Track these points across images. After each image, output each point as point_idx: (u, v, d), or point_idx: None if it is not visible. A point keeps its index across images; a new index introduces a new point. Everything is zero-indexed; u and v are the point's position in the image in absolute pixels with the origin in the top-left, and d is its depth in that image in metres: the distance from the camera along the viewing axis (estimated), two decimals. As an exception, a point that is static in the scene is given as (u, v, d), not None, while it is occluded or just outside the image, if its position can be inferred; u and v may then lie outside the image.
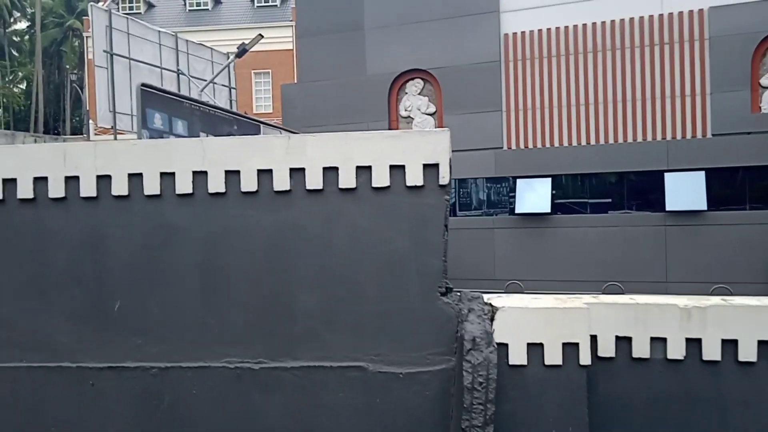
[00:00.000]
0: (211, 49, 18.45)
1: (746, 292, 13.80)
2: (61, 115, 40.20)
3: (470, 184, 16.88)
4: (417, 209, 3.67)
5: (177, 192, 3.87)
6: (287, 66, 24.58)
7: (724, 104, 14.57)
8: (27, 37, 41.78)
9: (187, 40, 17.67)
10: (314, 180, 3.75)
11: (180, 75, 17.29)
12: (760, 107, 14.44)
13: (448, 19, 16.67)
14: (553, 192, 15.54)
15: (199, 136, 9.72)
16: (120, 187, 3.89)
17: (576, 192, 15.82)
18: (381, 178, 3.70)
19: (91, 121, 18.98)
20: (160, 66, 16.87)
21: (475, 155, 16.35)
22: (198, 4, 29.35)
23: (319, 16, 17.94)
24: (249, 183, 3.80)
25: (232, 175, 3.81)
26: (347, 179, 3.73)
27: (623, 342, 3.64)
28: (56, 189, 3.93)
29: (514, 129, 16.40)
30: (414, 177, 3.67)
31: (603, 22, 15.59)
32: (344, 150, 3.75)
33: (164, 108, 9.36)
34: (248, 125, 11.35)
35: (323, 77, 17.89)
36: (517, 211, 15.72)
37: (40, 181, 3.94)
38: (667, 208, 14.52)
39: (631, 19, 15.37)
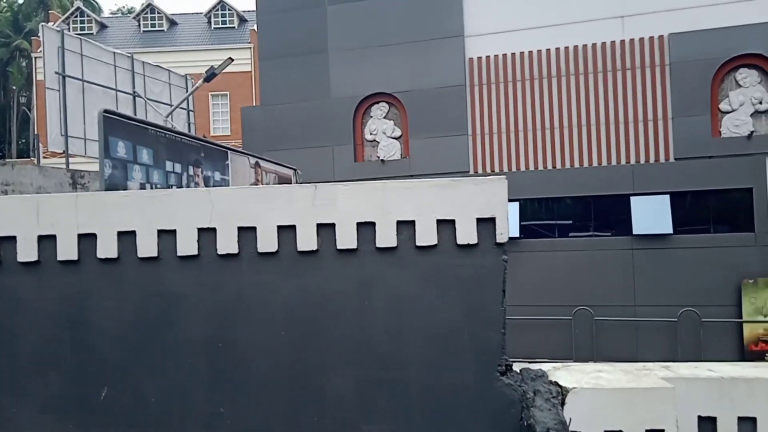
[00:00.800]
0: (169, 71, 17.48)
1: (714, 314, 13.72)
2: (6, 137, 37.92)
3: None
4: (469, 272, 3.05)
5: (179, 253, 3.12)
6: (245, 88, 23.72)
7: (686, 129, 14.57)
8: (-29, 57, 39.44)
9: (143, 62, 16.67)
10: (346, 238, 3.08)
11: (136, 97, 16.26)
12: (720, 132, 14.49)
13: (412, 42, 16.25)
14: (521, 216, 15.19)
15: (165, 165, 8.88)
16: (107, 248, 3.11)
17: (543, 216, 15.52)
18: (426, 235, 3.06)
19: (41, 145, 17.67)
20: (116, 88, 15.83)
21: (442, 179, 15.87)
22: (153, 26, 28.13)
23: (282, 39, 17.24)
24: (267, 242, 3.09)
25: (246, 233, 3.09)
26: (386, 237, 3.08)
27: (706, 423, 3.09)
28: (27, 251, 3.12)
29: (481, 153, 16.04)
30: (466, 234, 3.05)
31: (566, 47, 15.43)
32: (382, 202, 3.10)
33: (128, 136, 8.45)
34: (215, 152, 10.50)
35: (286, 100, 17.17)
36: (485, 236, 15.27)
37: (7, 242, 3.14)
38: (634, 232, 14.34)
39: (594, 45, 15.27)
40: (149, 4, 28.66)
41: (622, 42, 15.07)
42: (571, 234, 15.15)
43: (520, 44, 15.69)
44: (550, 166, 15.53)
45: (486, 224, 3.10)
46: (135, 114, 16.38)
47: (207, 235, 3.10)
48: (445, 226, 3.09)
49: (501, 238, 3.11)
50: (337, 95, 16.76)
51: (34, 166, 14.90)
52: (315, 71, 16.93)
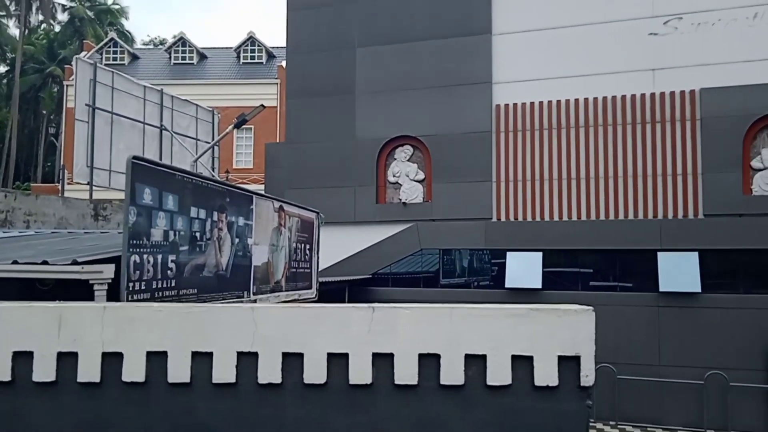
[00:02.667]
0: (197, 105, 17.25)
1: (742, 379, 13.02)
2: (33, 160, 38.01)
3: (455, 252, 15.94)
4: (548, 418, 2.58)
5: (214, 380, 2.67)
6: (270, 123, 23.53)
7: (716, 185, 14.03)
8: (5, 81, 39.72)
9: (172, 96, 16.45)
10: (406, 371, 2.63)
11: (163, 131, 16.02)
12: (751, 189, 13.95)
13: (440, 87, 15.93)
14: (544, 267, 14.67)
15: (189, 212, 8.49)
16: (134, 370, 2.68)
17: (567, 268, 14.98)
18: (499, 373, 2.60)
19: (66, 173, 17.50)
20: (143, 121, 15.60)
21: (465, 225, 15.43)
22: (183, 59, 28.14)
23: (310, 78, 17.00)
24: (315, 371, 2.64)
25: (291, 360, 2.65)
26: (452, 373, 2.62)
27: None
28: (44, 369, 2.70)
29: (504, 200, 15.56)
30: (545, 374, 2.59)
31: (595, 98, 15.02)
32: (449, 331, 2.65)
33: (154, 181, 8.06)
34: (240, 197, 10.12)
35: (311, 139, 16.87)
36: (507, 286, 14.74)
37: (22, 358, 2.71)
38: (661, 289, 13.74)
39: (623, 97, 14.85)
40: (181, 38, 28.72)
41: (653, 95, 14.63)
42: (595, 287, 14.58)
43: (549, 93, 15.31)
44: (575, 217, 15.02)
45: (568, 363, 2.64)
46: (161, 147, 16.17)
47: (247, 360, 2.66)
48: (521, 363, 2.62)
49: (586, 381, 2.64)
50: (362, 136, 16.44)
51: (58, 198, 14.63)
52: (341, 111, 16.64)
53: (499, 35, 15.77)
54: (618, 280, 14.63)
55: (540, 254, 14.71)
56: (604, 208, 14.82)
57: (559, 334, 2.64)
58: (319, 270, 15.43)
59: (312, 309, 2.74)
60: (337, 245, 15.71)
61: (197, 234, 8.54)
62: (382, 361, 2.67)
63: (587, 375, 2.64)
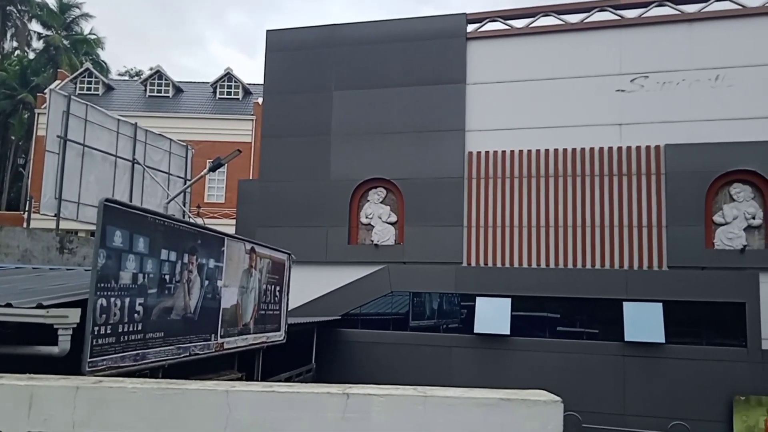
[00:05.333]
0: (170, 139, 17.12)
1: (704, 430, 13.15)
2: (-1, 186, 37.07)
3: (425, 295, 15.93)
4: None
5: (184, 465, 2.60)
6: (244, 159, 23.43)
7: (680, 238, 14.36)
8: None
9: (146, 130, 16.32)
10: (380, 459, 2.60)
11: (135, 164, 15.83)
12: (713, 243, 14.31)
13: (414, 132, 16.12)
14: (513, 313, 14.74)
15: (160, 254, 8.34)
16: (101, 454, 2.59)
17: (535, 315, 15.07)
18: (470, 464, 2.59)
19: (32, 204, 17.07)
20: (116, 154, 15.41)
21: (435, 269, 15.47)
22: (159, 91, 27.98)
23: (286, 118, 17.06)
24: (288, 458, 2.59)
25: (264, 445, 2.60)
26: (425, 463, 2.60)
27: None
28: (7, 452, 2.59)
29: (475, 245, 15.68)
30: (516, 464, 2.59)
31: (564, 149, 15.36)
32: (422, 419, 2.62)
33: (125, 224, 7.93)
34: (212, 239, 10.00)
35: (285, 177, 16.84)
36: (476, 331, 14.75)
37: (-14, 439, 2.60)
38: (626, 339, 13.89)
39: (591, 149, 15.21)
40: (157, 71, 28.62)
41: (620, 149, 15.02)
42: (562, 335, 14.67)
43: (520, 142, 15.60)
44: (543, 264, 15.18)
45: (541, 453, 2.63)
46: (133, 180, 15.94)
47: (217, 444, 2.59)
48: (494, 453, 2.61)
49: (557, 473, 2.64)
50: (336, 177, 16.48)
51: (23, 229, 14.26)
52: (316, 152, 16.69)
53: (473, 85, 16.09)
54: (585, 327, 14.76)
55: (509, 300, 14.79)
56: (572, 257, 15.02)
57: (529, 426, 2.63)
58: (289, 310, 15.25)
59: (287, 393, 2.68)
60: (308, 285, 15.59)
61: (167, 276, 8.38)
62: (355, 448, 2.63)
63: (557, 465, 2.64)
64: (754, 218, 14.07)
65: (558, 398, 2.69)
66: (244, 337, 10.77)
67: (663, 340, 13.59)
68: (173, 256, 8.61)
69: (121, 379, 2.88)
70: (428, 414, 2.65)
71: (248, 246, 10.89)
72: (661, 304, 13.87)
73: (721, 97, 14.43)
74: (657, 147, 14.78)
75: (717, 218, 14.31)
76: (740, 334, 13.44)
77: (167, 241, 8.51)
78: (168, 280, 8.38)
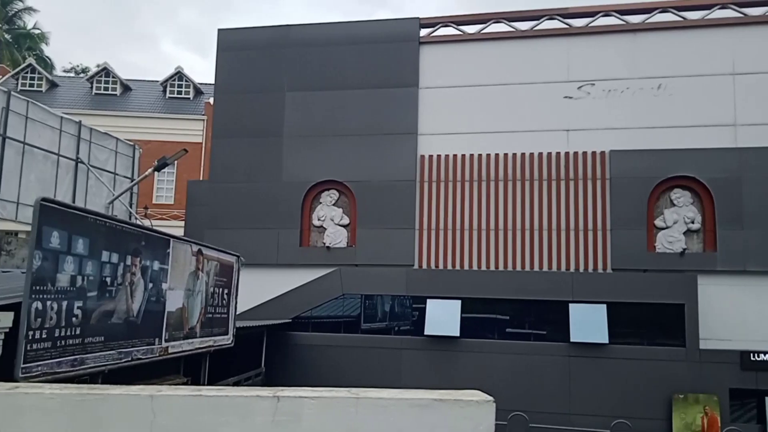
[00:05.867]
0: (117, 139, 16.65)
1: (645, 427, 13.53)
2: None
3: (377, 297, 15.93)
4: None
5: (103, 474, 2.50)
6: (194, 159, 22.98)
7: (623, 241, 14.77)
8: None
9: (91, 128, 15.81)
10: (309, 463, 2.56)
11: (79, 164, 15.33)
12: (655, 246, 14.77)
13: (367, 135, 16.12)
14: (463, 314, 14.87)
15: (101, 255, 8.09)
16: (14, 463, 2.47)
17: (485, 317, 15.25)
18: (402, 465, 2.58)
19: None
20: (58, 153, 14.88)
21: (387, 271, 15.48)
22: (106, 89, 27.16)
23: (237, 118, 16.81)
24: (214, 463, 2.53)
25: (189, 451, 2.52)
26: (355, 467, 2.57)
27: None
28: None
29: (426, 248, 15.77)
30: (448, 464, 2.59)
31: (514, 154, 15.61)
32: (354, 420, 2.60)
33: (64, 224, 7.67)
34: (157, 240, 9.76)
35: (235, 179, 16.59)
36: (426, 333, 14.82)
37: None
38: (571, 339, 14.19)
39: (540, 154, 15.50)
40: (104, 68, 27.77)
41: (567, 154, 15.36)
42: (510, 337, 14.88)
43: (471, 146, 15.78)
44: (493, 267, 15.38)
45: (471, 453, 2.64)
46: (76, 180, 15.43)
47: (140, 451, 2.51)
48: (425, 454, 2.61)
49: (487, 471, 2.65)
50: (288, 179, 16.33)
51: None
52: (268, 153, 16.50)
53: (426, 89, 16.21)
54: (532, 328, 15.00)
55: (459, 302, 14.91)
56: (521, 259, 15.27)
57: (461, 426, 2.64)
58: (238, 313, 15.00)
59: (215, 397, 2.62)
60: (258, 288, 15.38)
61: (108, 279, 8.13)
62: (285, 452, 2.58)
63: (488, 465, 2.65)
64: (693, 222, 14.58)
65: (490, 398, 2.71)
66: (190, 341, 10.54)
67: (607, 341, 13.93)
68: (115, 258, 8.37)
69: (39, 384, 2.76)
70: (360, 416, 2.63)
71: (195, 248, 10.68)
72: (605, 306, 14.23)
73: (662, 106, 14.92)
74: (602, 153, 15.18)
75: (658, 222, 14.78)
76: (679, 334, 13.89)
77: (109, 243, 8.26)
78: (109, 283, 8.13)
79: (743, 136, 14.48)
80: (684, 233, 14.62)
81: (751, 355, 13.49)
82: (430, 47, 16.43)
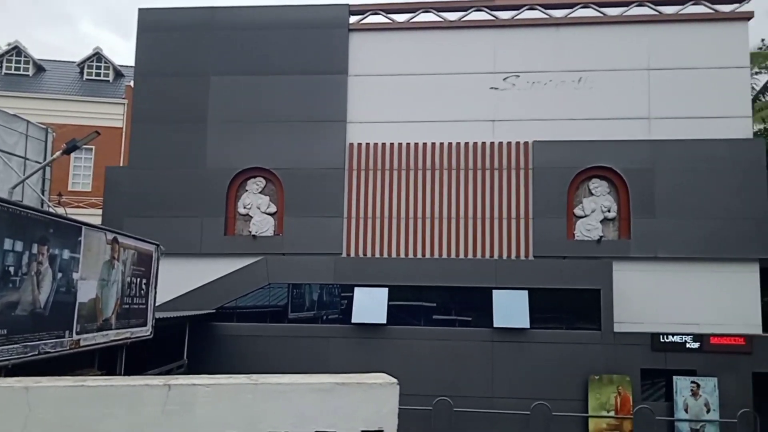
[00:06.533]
0: (27, 121, 15.66)
1: (563, 408, 14.04)
2: None
3: (304, 286, 15.76)
4: (349, 495, 2.51)
5: (-29, 475, 2.30)
6: (114, 145, 21.97)
7: (545, 229, 15.20)
8: None
9: (-2, 110, 14.82)
10: (203, 455, 2.44)
11: (-16, 148, 14.33)
12: (574, 234, 15.27)
13: (295, 122, 15.86)
14: (390, 302, 14.93)
15: (3, 244, 7.59)
16: None
17: (412, 304, 15.36)
18: (301, 452, 2.50)
19: None
20: (-41, 136, 13.88)
21: (315, 260, 15.34)
22: (17, 69, 25.45)
23: (159, 102, 16.16)
24: (97, 460, 2.36)
25: (71, 447, 2.35)
26: (252, 454, 2.47)
27: None
28: None
29: (354, 236, 15.73)
30: (348, 450, 2.53)
31: (441, 143, 15.76)
32: (251, 408, 2.49)
33: (-42, 211, 7.18)
34: (67, 227, 9.25)
35: (157, 165, 15.97)
36: (353, 321, 14.80)
37: None
38: (495, 325, 14.52)
39: (466, 144, 15.72)
40: (16, 47, 25.98)
41: (492, 144, 15.64)
42: (436, 323, 15.07)
43: (399, 135, 15.81)
44: (420, 255, 15.52)
45: (372, 438, 2.59)
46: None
47: (15, 448, 2.31)
48: (325, 439, 2.54)
49: (388, 456, 2.61)
50: (213, 166, 15.86)
51: None
52: (191, 139, 15.96)
53: (355, 76, 16.09)
54: (458, 315, 15.24)
55: (386, 290, 14.96)
56: (447, 247, 15.47)
57: (364, 409, 2.58)
58: (159, 305, 14.50)
59: (99, 387, 2.45)
60: (181, 278, 14.92)
61: (11, 268, 7.65)
62: (177, 445, 2.45)
63: (390, 450, 2.61)
64: (609, 211, 15.17)
65: (394, 380, 2.67)
66: (105, 333, 10.08)
67: (528, 326, 14.33)
68: (19, 246, 7.88)
69: None
70: (258, 402, 2.53)
71: (110, 236, 10.20)
72: (526, 292, 14.62)
73: (582, 98, 15.41)
74: (526, 143, 15.54)
75: (577, 211, 15.29)
76: (596, 318, 14.44)
77: (12, 230, 7.77)
78: (13, 273, 7.65)
79: (656, 128, 15.17)
80: (601, 221, 15.20)
81: (661, 336, 14.19)
82: (360, 34, 16.31)
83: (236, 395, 2.53)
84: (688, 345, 14.13)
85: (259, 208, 15.93)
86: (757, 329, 14.29)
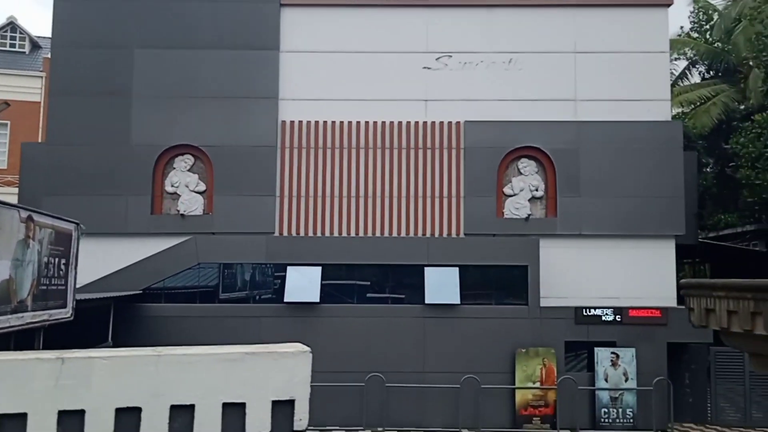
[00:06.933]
0: (-68, 93, 14.58)
1: (492, 381, 14.41)
2: None
3: (236, 266, 15.46)
4: (259, 468, 2.44)
5: None
6: (32, 120, 20.73)
7: (475, 208, 15.44)
8: None
9: None
10: (98, 429, 2.30)
11: None
12: (503, 213, 15.59)
13: (225, 98, 15.40)
14: (324, 281, 14.84)
15: None
16: None
17: (344, 282, 15.34)
18: (207, 423, 2.38)
19: None
20: None
21: (246, 239, 15.04)
22: None
23: (79, 75, 15.32)
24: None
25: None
26: (154, 427, 2.35)
27: None
28: None
29: (287, 215, 15.52)
30: (257, 420, 2.42)
31: (374, 122, 15.69)
32: (154, 380, 2.37)
33: None
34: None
35: (78, 141, 15.19)
36: (286, 300, 14.64)
37: None
38: (426, 301, 14.69)
39: (399, 123, 15.71)
40: None
41: (425, 123, 15.69)
42: (370, 301, 15.12)
43: (332, 113, 15.63)
44: (353, 233, 15.48)
45: (282, 408, 2.52)
46: None
47: None
48: (233, 410, 2.45)
49: (299, 425, 2.54)
50: (138, 142, 15.22)
51: None
52: (114, 114, 15.24)
53: (288, 53, 15.74)
54: (391, 293, 15.33)
55: (319, 268, 14.86)
56: (380, 225, 15.49)
57: (275, 379, 2.51)
58: (81, 286, 13.90)
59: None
60: (106, 258, 14.37)
61: None
62: (71, 419, 2.31)
63: (301, 419, 2.55)
64: (537, 190, 15.56)
65: (307, 349, 2.60)
66: (20, 315, 9.57)
67: (458, 302, 14.57)
68: None
69: None
70: (162, 374, 2.41)
71: (24, 214, 9.64)
72: (457, 269, 14.83)
73: (512, 79, 15.66)
74: (458, 123, 15.67)
75: (507, 190, 15.60)
76: (523, 293, 14.86)
77: None
78: None
79: (582, 110, 15.59)
80: (529, 200, 15.57)
81: (584, 310, 14.75)
82: (292, 10, 15.93)
83: (137, 367, 2.41)
84: (608, 318, 14.75)
85: (187, 187, 15.45)
86: (672, 302, 15.04)
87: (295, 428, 2.54)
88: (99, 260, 14.32)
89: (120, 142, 15.15)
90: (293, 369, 2.55)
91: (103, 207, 14.72)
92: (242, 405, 2.47)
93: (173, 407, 2.41)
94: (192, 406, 2.42)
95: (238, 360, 2.51)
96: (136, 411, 2.37)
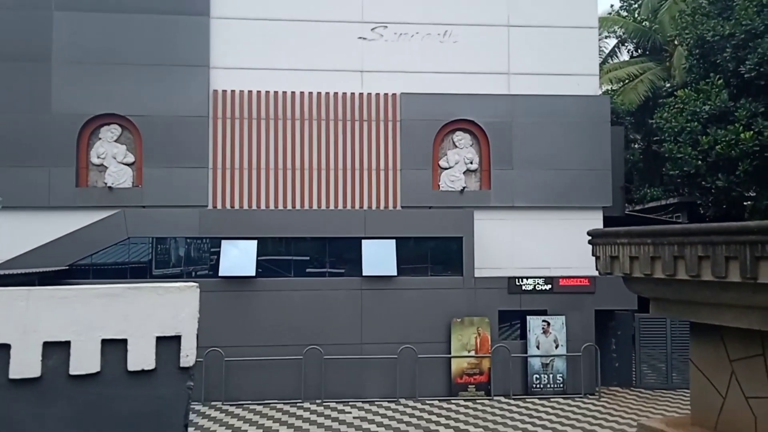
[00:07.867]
0: None
1: (428, 351, 14.57)
2: None
3: (169, 241, 15.01)
4: (144, 404, 2.29)
5: None
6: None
7: (412, 180, 15.47)
8: None
9: None
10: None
11: None
12: (439, 185, 15.67)
13: (153, 65, 14.81)
14: (260, 255, 14.59)
15: None
16: None
17: (280, 255, 15.13)
18: (85, 360, 2.24)
19: None
20: None
21: (178, 213, 14.60)
22: None
23: (-7, 39, 14.40)
24: None
25: None
26: (25, 364, 2.17)
27: None
28: None
29: (221, 188, 15.14)
30: (140, 357, 2.28)
31: (310, 93, 15.42)
32: (25, 317, 2.20)
33: None
34: None
35: (-8, 110, 14.31)
36: (221, 274, 14.33)
37: None
38: (364, 273, 14.68)
39: (335, 94, 15.50)
40: None
41: (361, 95, 15.53)
42: (310, 273, 14.96)
43: (266, 83, 15.27)
44: (289, 206, 15.25)
45: (168, 344, 2.39)
46: None
47: None
48: (114, 347, 2.30)
49: (186, 361, 2.42)
50: (60, 111, 14.47)
51: None
52: (33, 81, 14.42)
53: (218, 19, 15.24)
54: (330, 266, 15.22)
55: (255, 242, 14.58)
56: (317, 198, 15.33)
57: (159, 314, 2.38)
58: (2, 262, 13.28)
59: None
60: (26, 233, 13.70)
61: None
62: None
63: (188, 355, 2.43)
64: (471, 163, 15.70)
65: (194, 284, 2.46)
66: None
67: (395, 273, 14.61)
68: None
69: None
70: (33, 310, 2.25)
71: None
72: (394, 241, 14.85)
73: (447, 52, 15.66)
74: (394, 95, 15.59)
75: (442, 163, 15.68)
76: (458, 264, 15.02)
77: None
78: None
79: (515, 84, 15.77)
80: (464, 173, 15.71)
81: (516, 280, 15.06)
82: (223, -25, 15.38)
83: (5, 302, 2.22)
84: (540, 287, 15.12)
85: (114, 158, 14.83)
86: (599, 270, 15.52)
87: (182, 364, 2.41)
88: (21, 235, 13.67)
89: (40, 110, 14.36)
90: (179, 304, 2.42)
91: (23, 179, 13.98)
92: (123, 341, 2.33)
93: (46, 344, 2.24)
94: (68, 343, 2.26)
95: (118, 295, 2.36)
96: (5, 348, 2.20)
